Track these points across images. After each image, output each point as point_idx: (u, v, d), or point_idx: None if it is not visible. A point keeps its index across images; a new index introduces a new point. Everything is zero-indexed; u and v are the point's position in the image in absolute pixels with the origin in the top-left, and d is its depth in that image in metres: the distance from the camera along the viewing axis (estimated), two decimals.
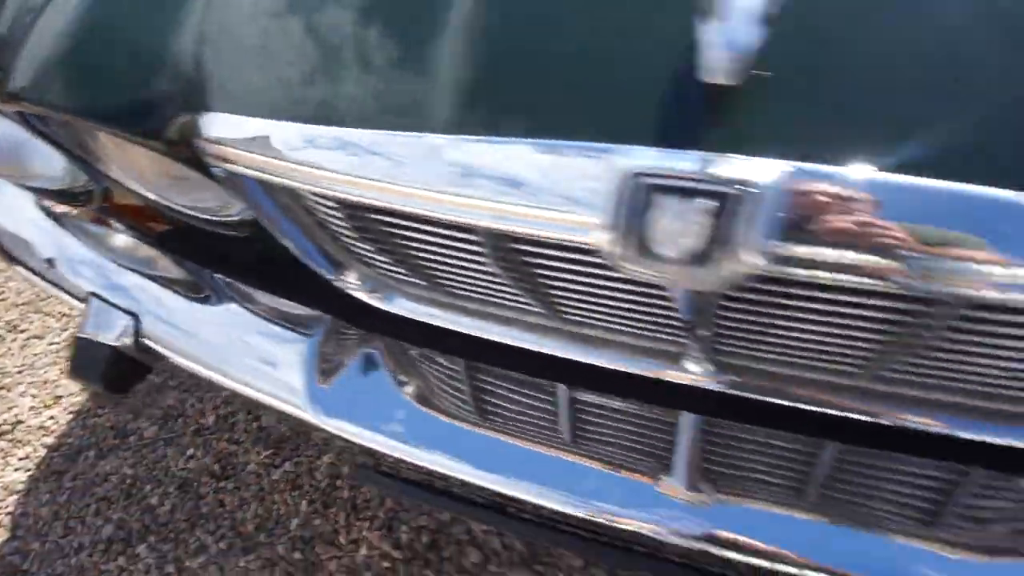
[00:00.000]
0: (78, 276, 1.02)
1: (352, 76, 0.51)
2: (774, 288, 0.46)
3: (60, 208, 1.10)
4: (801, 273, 0.39)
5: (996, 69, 0.35)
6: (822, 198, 0.35)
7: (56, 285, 1.02)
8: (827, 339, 0.51)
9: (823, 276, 0.38)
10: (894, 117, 0.36)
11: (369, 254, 0.71)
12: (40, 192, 1.06)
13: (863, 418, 0.67)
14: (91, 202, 1.04)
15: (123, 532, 1.52)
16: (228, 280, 1.00)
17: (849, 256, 0.36)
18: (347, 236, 0.68)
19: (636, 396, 0.76)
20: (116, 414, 1.73)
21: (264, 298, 0.97)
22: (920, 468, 0.69)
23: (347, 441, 0.76)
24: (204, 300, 0.99)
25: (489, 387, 0.83)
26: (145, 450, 1.66)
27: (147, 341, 0.92)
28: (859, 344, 0.50)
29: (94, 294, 0.95)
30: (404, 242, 0.63)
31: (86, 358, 0.92)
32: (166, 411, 1.72)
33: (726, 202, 0.36)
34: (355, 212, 0.59)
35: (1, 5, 0.77)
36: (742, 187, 0.36)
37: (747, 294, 0.48)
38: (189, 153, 0.66)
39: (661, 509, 0.71)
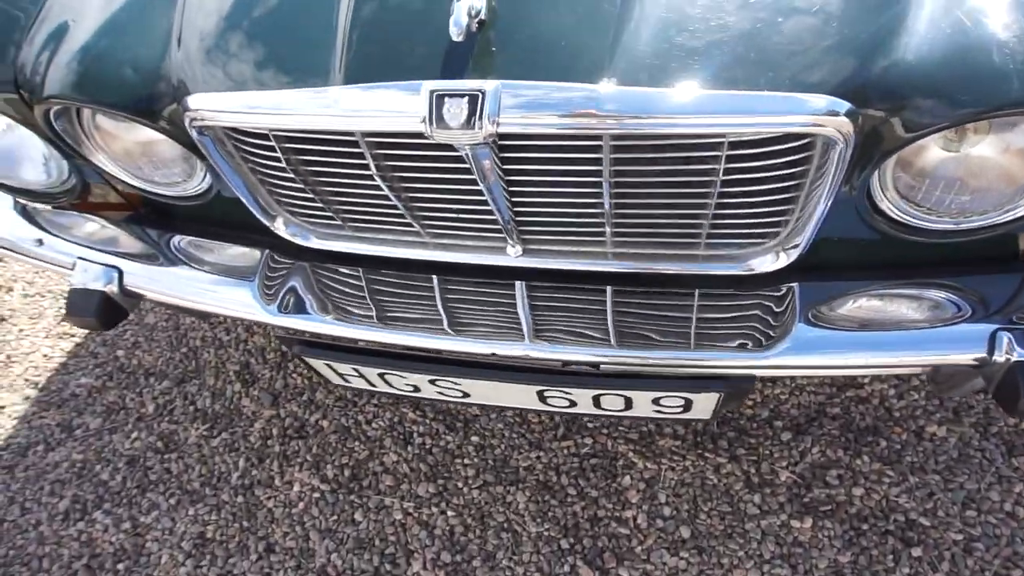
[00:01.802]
0: (60, 252, 1.33)
1: (269, 60, 0.93)
2: (520, 155, 0.90)
3: (37, 206, 1.41)
4: (517, 131, 0.83)
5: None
6: (515, 98, 0.80)
7: (43, 260, 1.33)
8: (572, 191, 0.95)
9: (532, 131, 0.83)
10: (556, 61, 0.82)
11: (289, 196, 1.10)
12: (25, 194, 1.38)
13: (616, 269, 1.11)
14: (66, 201, 1.37)
15: (79, 504, 1.75)
16: (180, 248, 1.34)
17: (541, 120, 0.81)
18: (273, 176, 1.06)
19: (484, 277, 1.17)
20: (61, 413, 1.96)
21: (209, 258, 1.32)
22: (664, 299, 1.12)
23: (288, 329, 1.13)
24: (160, 264, 1.32)
25: (383, 290, 1.21)
26: (92, 439, 1.89)
27: (129, 286, 1.25)
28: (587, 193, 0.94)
29: (81, 258, 1.27)
30: (314, 168, 1.02)
31: (79, 304, 1.24)
32: (108, 406, 1.97)
33: (473, 99, 0.80)
34: (280, 144, 0.98)
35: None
36: (478, 91, 0.80)
37: (510, 164, 0.91)
38: (175, 128, 1.05)
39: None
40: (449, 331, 1.11)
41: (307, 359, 1.18)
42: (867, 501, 1.54)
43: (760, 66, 0.82)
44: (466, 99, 0.81)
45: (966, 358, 0.99)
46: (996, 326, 0.97)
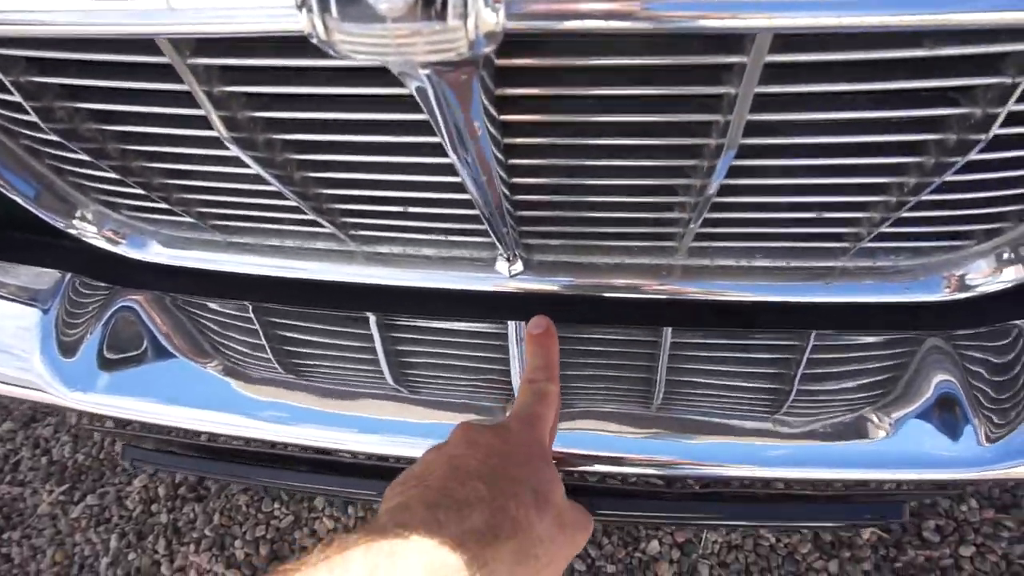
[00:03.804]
0: None
1: None
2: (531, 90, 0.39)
3: None
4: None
5: None
6: None
7: None
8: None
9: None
10: None
11: (88, 175, 0.57)
12: None
13: (687, 295, 0.63)
14: None
15: None
16: None
17: None
18: (43, 141, 0.53)
19: (457, 313, 0.68)
20: None
21: (9, 280, 0.79)
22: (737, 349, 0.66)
23: (101, 416, 0.61)
24: None
25: (282, 334, 0.71)
26: None
27: None
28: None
29: None
30: (103, 127, 0.49)
31: None
32: None
33: None
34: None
35: None
36: None
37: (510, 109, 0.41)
38: None
39: None
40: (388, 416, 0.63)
41: (149, 468, 0.68)
42: (980, 564, 1.14)
43: None
44: None
45: None
46: None
